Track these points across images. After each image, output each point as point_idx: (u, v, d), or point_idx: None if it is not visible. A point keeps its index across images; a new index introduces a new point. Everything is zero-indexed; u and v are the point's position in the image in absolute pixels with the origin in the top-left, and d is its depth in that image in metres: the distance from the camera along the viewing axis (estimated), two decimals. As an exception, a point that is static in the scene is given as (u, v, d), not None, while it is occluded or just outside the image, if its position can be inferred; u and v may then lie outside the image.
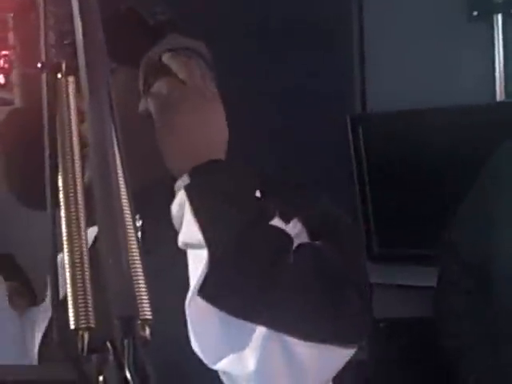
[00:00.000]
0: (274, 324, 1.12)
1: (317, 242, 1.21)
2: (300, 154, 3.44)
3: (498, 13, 3.27)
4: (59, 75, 0.87)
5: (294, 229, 1.21)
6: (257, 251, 1.13)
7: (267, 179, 1.27)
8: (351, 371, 3.11)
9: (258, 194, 1.20)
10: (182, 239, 1.18)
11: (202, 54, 1.28)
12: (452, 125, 3.21)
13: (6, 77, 1.37)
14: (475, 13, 3.33)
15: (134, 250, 0.71)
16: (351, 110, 3.63)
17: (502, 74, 3.23)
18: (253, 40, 3.45)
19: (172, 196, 1.20)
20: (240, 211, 1.15)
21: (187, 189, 1.18)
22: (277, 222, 1.18)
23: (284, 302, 1.13)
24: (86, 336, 0.70)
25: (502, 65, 3.24)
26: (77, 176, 0.76)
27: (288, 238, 1.18)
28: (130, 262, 0.70)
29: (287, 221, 1.20)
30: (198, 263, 1.13)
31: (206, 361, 1.13)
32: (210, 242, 1.11)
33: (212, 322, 1.10)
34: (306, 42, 3.47)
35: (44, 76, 0.85)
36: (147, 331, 0.69)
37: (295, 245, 1.17)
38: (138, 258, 0.71)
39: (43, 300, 1.47)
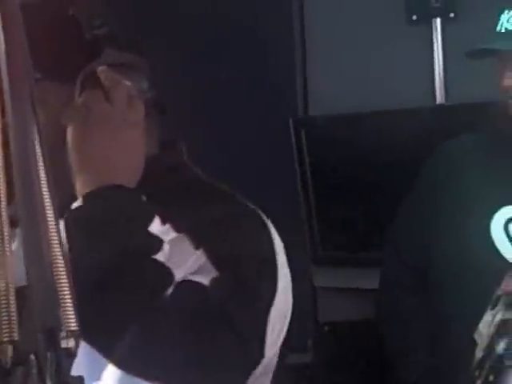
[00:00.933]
0: (124, 366, 1.08)
1: (199, 281, 1.15)
2: (243, 158, 3.45)
3: (436, 17, 3.31)
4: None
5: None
6: (123, 287, 1.09)
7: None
8: (295, 374, 3.12)
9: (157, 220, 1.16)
10: None
11: (138, 68, 1.26)
12: (393, 128, 3.24)
13: None
14: (414, 17, 3.36)
15: (58, 261, 0.70)
16: (294, 113, 3.64)
17: (442, 78, 3.26)
18: (193, 42, 3.44)
19: None
20: (111, 244, 1.10)
21: (66, 216, 1.13)
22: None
23: (141, 345, 1.07)
24: (10, 349, 0.68)
25: (441, 68, 3.27)
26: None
27: (167, 274, 1.12)
28: (55, 273, 0.68)
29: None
30: None
31: None
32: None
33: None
34: (247, 44, 3.47)
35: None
36: (72, 343, 0.68)
37: (181, 275, 1.13)
38: (63, 268, 0.70)
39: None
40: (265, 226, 1.28)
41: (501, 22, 1.96)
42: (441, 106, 3.28)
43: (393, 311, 2.20)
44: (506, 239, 1.95)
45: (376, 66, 3.47)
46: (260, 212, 1.29)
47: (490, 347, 1.37)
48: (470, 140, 2.15)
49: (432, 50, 3.31)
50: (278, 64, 3.56)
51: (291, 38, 3.60)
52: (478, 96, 2.68)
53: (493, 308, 1.40)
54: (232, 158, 3.43)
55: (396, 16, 3.44)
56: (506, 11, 1.97)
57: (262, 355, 1.18)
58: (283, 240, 1.31)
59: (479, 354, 1.40)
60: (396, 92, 3.33)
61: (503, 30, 1.95)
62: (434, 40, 3.30)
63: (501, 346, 1.35)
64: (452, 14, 3.29)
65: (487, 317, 1.41)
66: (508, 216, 1.96)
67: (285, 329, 1.29)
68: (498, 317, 1.37)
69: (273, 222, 1.32)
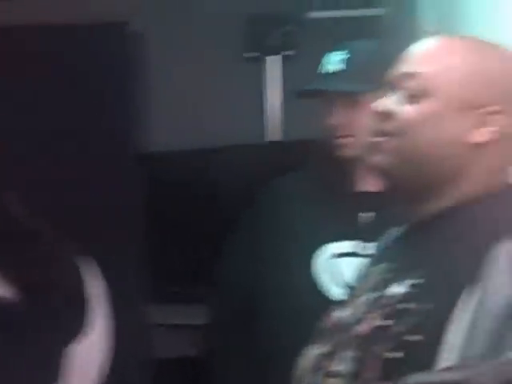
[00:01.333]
0: None
1: None
2: (85, 193, 3.38)
3: (273, 54, 3.35)
4: None
5: None
6: None
7: None
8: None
9: None
10: None
11: None
12: (228, 164, 3.26)
13: None
14: (252, 54, 3.40)
15: None
16: (135, 149, 3.61)
17: (277, 115, 3.30)
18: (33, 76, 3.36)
19: None
20: None
21: None
22: None
23: None
24: None
25: (276, 105, 3.31)
26: None
27: None
28: None
29: None
30: None
31: None
32: None
33: None
34: (87, 78, 3.42)
35: None
36: None
37: None
38: None
39: None
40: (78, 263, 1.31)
41: (329, 61, 2.00)
42: (274, 142, 3.32)
43: (220, 347, 2.19)
44: (327, 277, 1.97)
45: (212, 103, 3.49)
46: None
47: (305, 381, 1.38)
48: (297, 177, 2.17)
49: (264, 87, 3.35)
50: (120, 100, 3.52)
51: (133, 76, 3.57)
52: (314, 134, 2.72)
53: (314, 343, 1.41)
54: (75, 194, 3.35)
55: (233, 53, 3.47)
56: (335, 52, 2.01)
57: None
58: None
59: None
60: (231, 128, 3.35)
61: (324, 71, 2.00)
62: (268, 77, 3.34)
63: (313, 380, 1.36)
64: (289, 52, 3.35)
65: (309, 352, 1.42)
66: (329, 253, 1.99)
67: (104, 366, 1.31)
68: (316, 352, 1.38)
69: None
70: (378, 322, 1.24)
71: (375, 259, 1.46)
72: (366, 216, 1.99)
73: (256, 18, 3.38)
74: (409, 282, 1.23)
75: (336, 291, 1.94)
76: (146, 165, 3.50)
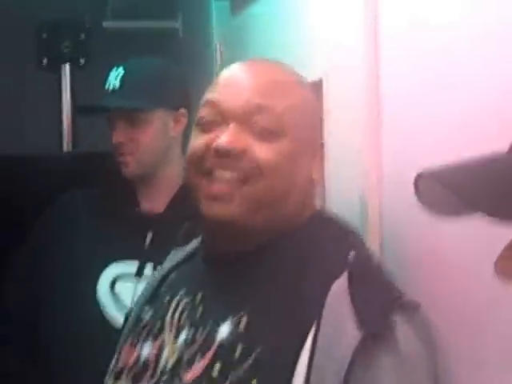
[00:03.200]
0: None
1: None
2: None
3: (66, 62, 3.28)
4: None
5: None
6: None
7: None
8: None
9: None
10: None
11: None
12: (21, 174, 3.16)
13: None
14: (45, 61, 3.31)
15: None
16: None
17: (70, 125, 3.23)
18: None
19: None
20: None
21: None
22: None
23: None
24: None
25: (69, 115, 3.24)
26: None
27: None
28: None
29: None
30: None
31: None
32: None
33: None
34: None
35: None
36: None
37: None
38: None
39: None
40: None
41: (109, 79, 1.96)
42: (67, 153, 3.25)
43: (1, 372, 2.10)
44: (111, 302, 1.93)
45: (7, 111, 3.39)
46: None
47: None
48: (85, 194, 2.12)
49: (60, 97, 3.28)
50: None
51: None
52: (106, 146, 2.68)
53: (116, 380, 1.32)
54: None
55: (28, 59, 3.38)
56: (115, 69, 1.98)
57: None
58: None
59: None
60: (25, 139, 3.27)
61: (111, 88, 1.96)
62: (63, 86, 3.27)
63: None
64: (82, 61, 3.29)
65: None
66: (113, 275, 1.95)
67: None
68: None
69: None
70: (203, 366, 1.14)
71: (172, 286, 1.31)
72: (151, 237, 1.98)
73: (49, 24, 3.28)
74: (233, 320, 1.15)
75: (116, 314, 1.91)
76: None
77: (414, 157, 1.28)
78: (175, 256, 1.38)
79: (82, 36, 3.20)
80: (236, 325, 1.14)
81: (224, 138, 1.16)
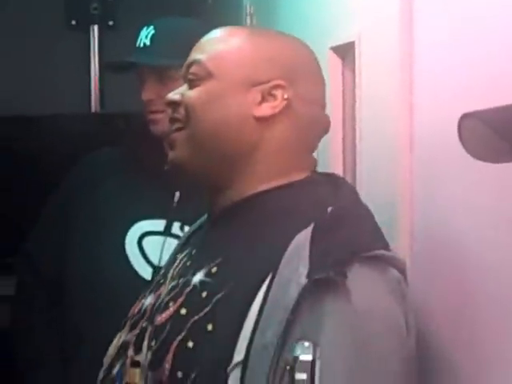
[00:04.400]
0: None
1: None
2: None
3: (95, 23, 3.29)
4: None
5: None
6: None
7: None
8: None
9: None
10: None
11: None
12: (47, 133, 3.19)
13: None
14: (74, 22, 3.32)
15: None
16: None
17: (97, 86, 3.25)
18: None
19: None
20: None
21: None
22: None
23: None
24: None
25: (97, 76, 3.26)
26: None
27: None
28: None
29: None
30: None
31: None
32: None
33: None
34: None
35: None
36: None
37: None
38: None
39: None
40: None
41: (140, 36, 1.98)
42: (96, 113, 3.27)
43: (25, 324, 2.13)
44: (139, 255, 1.96)
45: (36, 69, 3.40)
46: None
47: (109, 369, 1.36)
48: (112, 153, 2.13)
49: (89, 58, 3.29)
50: None
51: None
52: (134, 106, 2.70)
53: (122, 330, 1.39)
54: None
55: (55, 19, 3.39)
56: (145, 27, 1.99)
57: None
58: None
59: (100, 375, 1.39)
60: (54, 97, 3.28)
61: (141, 45, 1.97)
62: (92, 47, 3.28)
63: (116, 368, 1.34)
64: (111, 22, 3.29)
65: (116, 339, 1.39)
66: (141, 231, 1.97)
67: None
68: (121, 339, 1.36)
69: None
70: (172, 311, 1.24)
71: (181, 244, 1.45)
72: (176, 195, 1.99)
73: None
74: (206, 269, 1.24)
75: (145, 269, 1.94)
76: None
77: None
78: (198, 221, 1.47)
79: (109, -2, 3.21)
80: (207, 274, 1.24)
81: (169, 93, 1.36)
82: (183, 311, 1.23)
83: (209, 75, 1.28)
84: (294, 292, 1.11)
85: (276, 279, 1.15)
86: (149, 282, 1.85)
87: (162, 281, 1.37)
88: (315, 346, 1.09)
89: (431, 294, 1.30)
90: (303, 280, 1.11)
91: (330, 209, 1.20)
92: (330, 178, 1.33)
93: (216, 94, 1.28)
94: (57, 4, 3.36)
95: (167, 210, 1.99)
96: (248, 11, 2.51)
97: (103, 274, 1.99)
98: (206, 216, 1.40)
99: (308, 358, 1.09)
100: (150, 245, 1.99)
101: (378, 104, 1.56)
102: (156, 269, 1.90)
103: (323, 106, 1.34)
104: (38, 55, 3.37)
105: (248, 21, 2.51)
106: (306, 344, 1.09)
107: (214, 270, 1.24)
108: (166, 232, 1.99)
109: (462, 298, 1.21)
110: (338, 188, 1.28)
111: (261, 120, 1.27)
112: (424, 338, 1.25)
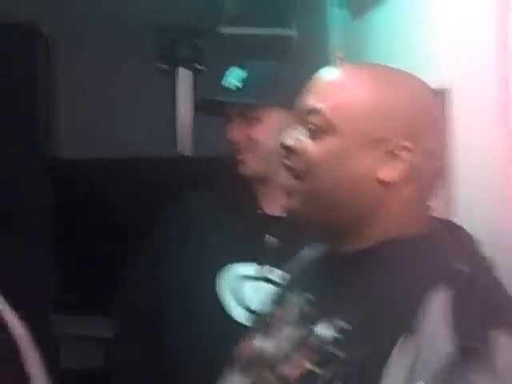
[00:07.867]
0: None
1: None
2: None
3: (182, 66, 3.34)
4: None
5: None
6: None
7: None
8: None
9: None
10: None
11: None
12: (138, 175, 3.24)
13: None
14: (163, 65, 3.38)
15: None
16: (43, 154, 3.56)
17: (187, 128, 3.29)
18: None
19: None
20: None
21: None
22: None
23: None
24: None
25: (185, 119, 3.30)
26: None
27: None
28: None
29: None
30: None
31: None
32: None
33: None
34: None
35: None
36: None
37: None
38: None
39: None
40: None
41: (226, 78, 2.00)
42: (184, 156, 3.32)
43: (122, 361, 2.16)
44: (232, 298, 1.97)
45: (125, 113, 3.47)
46: None
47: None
48: (206, 195, 2.17)
49: (177, 100, 3.34)
50: (23, 106, 3.45)
51: (38, 79, 3.50)
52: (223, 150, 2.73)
53: (232, 371, 1.36)
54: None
55: (145, 63, 3.46)
56: (234, 69, 2.02)
57: None
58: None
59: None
60: (142, 140, 3.34)
61: (226, 85, 2.00)
62: (178, 89, 3.33)
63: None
64: (198, 65, 3.34)
65: (228, 380, 1.37)
66: (234, 274, 1.99)
67: None
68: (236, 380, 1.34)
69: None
70: (308, 367, 1.19)
71: (289, 285, 1.38)
72: (272, 240, 2.00)
73: (167, 29, 3.37)
74: (336, 323, 1.18)
75: (239, 312, 1.95)
76: (55, 171, 3.46)
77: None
78: (305, 255, 1.41)
79: (199, 41, 3.26)
80: (340, 330, 1.17)
81: (286, 133, 1.27)
82: (318, 370, 1.18)
83: (331, 129, 1.21)
84: (436, 358, 1.07)
85: (419, 341, 1.10)
86: (240, 323, 1.87)
87: (271, 323, 1.32)
88: None
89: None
90: (448, 348, 1.07)
91: (457, 264, 1.15)
92: (449, 227, 1.26)
93: (340, 154, 1.21)
94: (145, 47, 3.43)
95: (259, 254, 2.00)
96: (335, 55, 2.53)
97: (196, 319, 2.00)
98: (314, 255, 1.37)
99: None
100: (241, 287, 2.00)
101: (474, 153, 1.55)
102: (251, 314, 1.90)
103: (444, 158, 1.29)
104: (128, 98, 3.44)
105: (336, 64, 2.52)
106: None
107: (346, 326, 1.18)
108: (258, 275, 2.00)
109: None
110: (459, 240, 1.22)
111: (385, 183, 1.21)
112: None
